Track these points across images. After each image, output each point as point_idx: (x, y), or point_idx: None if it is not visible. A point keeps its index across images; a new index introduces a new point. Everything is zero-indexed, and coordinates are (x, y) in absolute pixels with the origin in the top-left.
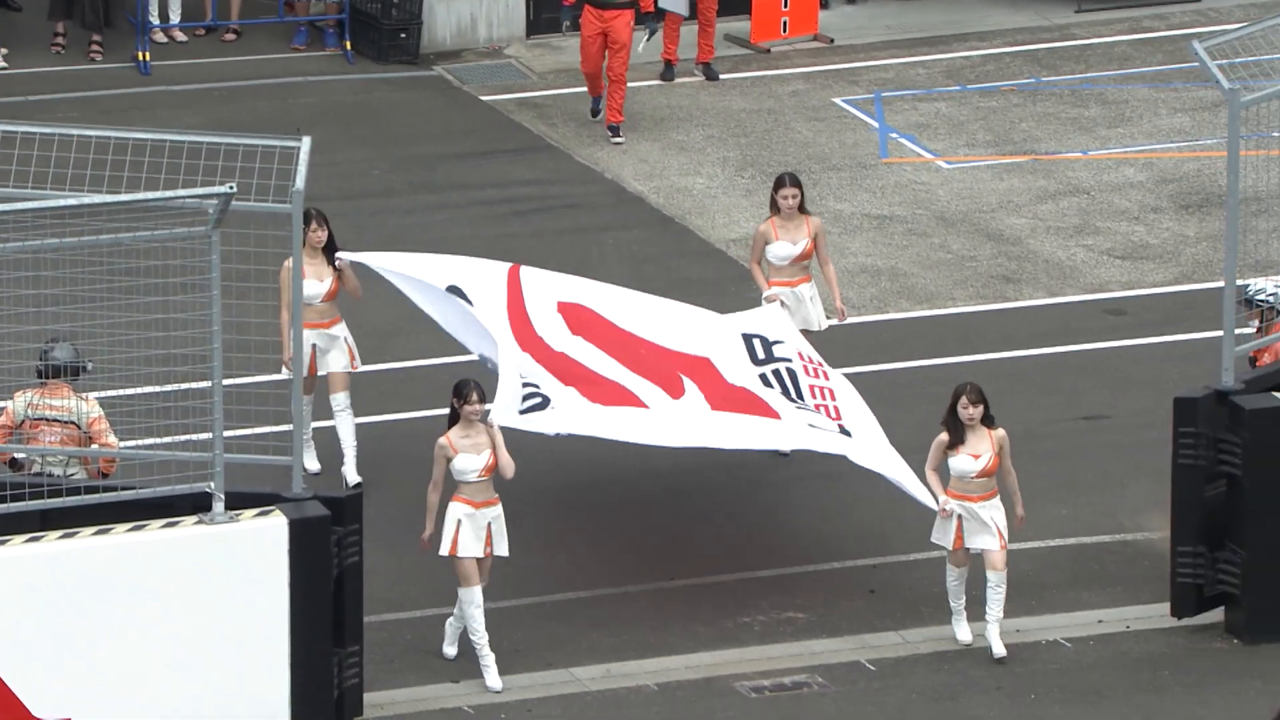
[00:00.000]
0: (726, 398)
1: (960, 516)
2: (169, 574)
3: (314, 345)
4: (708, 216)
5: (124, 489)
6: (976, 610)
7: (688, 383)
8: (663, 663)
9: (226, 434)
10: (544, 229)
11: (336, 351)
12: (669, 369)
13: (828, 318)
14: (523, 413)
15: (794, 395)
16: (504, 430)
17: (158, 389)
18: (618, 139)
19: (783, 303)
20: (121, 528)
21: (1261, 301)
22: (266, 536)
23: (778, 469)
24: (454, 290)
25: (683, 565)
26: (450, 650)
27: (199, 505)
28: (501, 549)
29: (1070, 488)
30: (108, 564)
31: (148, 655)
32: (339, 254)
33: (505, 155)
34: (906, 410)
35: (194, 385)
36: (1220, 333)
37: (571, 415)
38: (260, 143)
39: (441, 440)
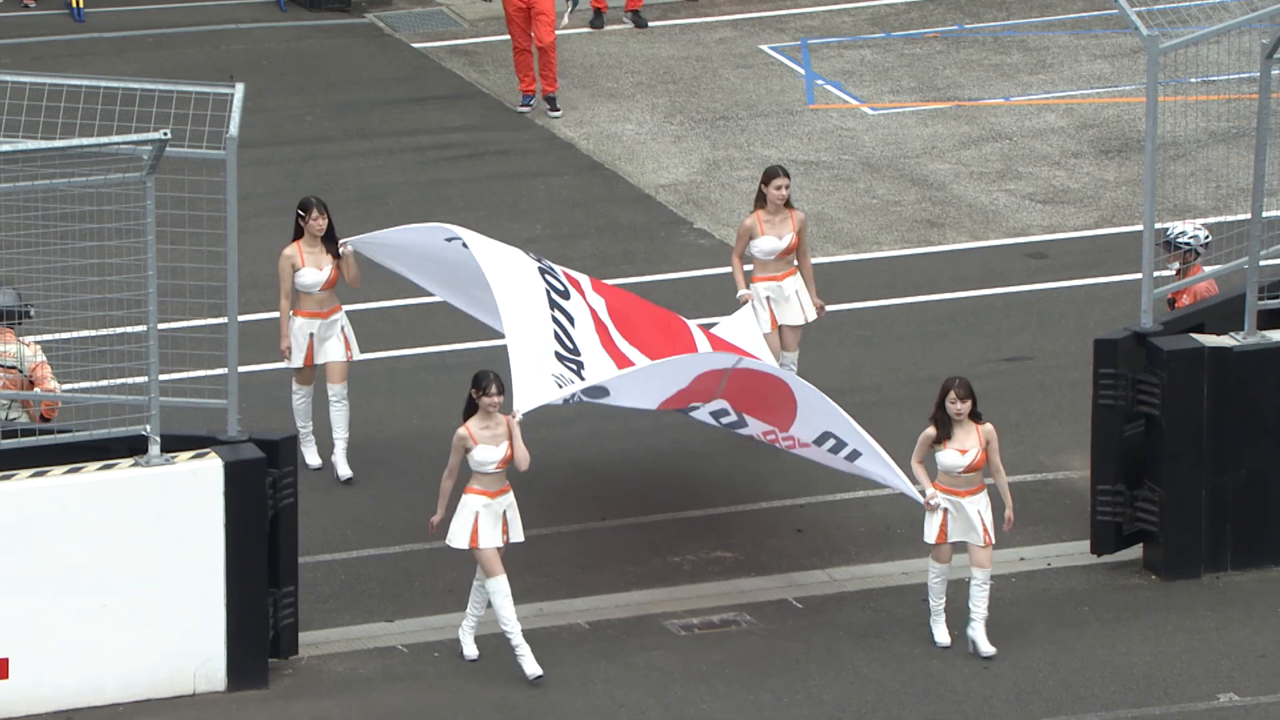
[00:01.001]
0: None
1: (946, 511)
2: (105, 516)
3: (311, 334)
4: (637, 162)
5: (60, 432)
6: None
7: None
8: (594, 601)
9: (162, 378)
10: (475, 175)
11: (334, 340)
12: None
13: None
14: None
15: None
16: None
17: (94, 333)
18: (554, 112)
19: (769, 299)
20: (58, 470)
21: (1183, 244)
22: (202, 479)
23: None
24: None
25: (613, 506)
26: (472, 652)
27: (135, 448)
28: (517, 535)
29: (995, 428)
30: (44, 506)
31: (84, 596)
32: (342, 241)
33: (437, 102)
34: (833, 353)
35: (130, 329)
36: (1139, 275)
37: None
38: (194, 89)
39: (461, 431)
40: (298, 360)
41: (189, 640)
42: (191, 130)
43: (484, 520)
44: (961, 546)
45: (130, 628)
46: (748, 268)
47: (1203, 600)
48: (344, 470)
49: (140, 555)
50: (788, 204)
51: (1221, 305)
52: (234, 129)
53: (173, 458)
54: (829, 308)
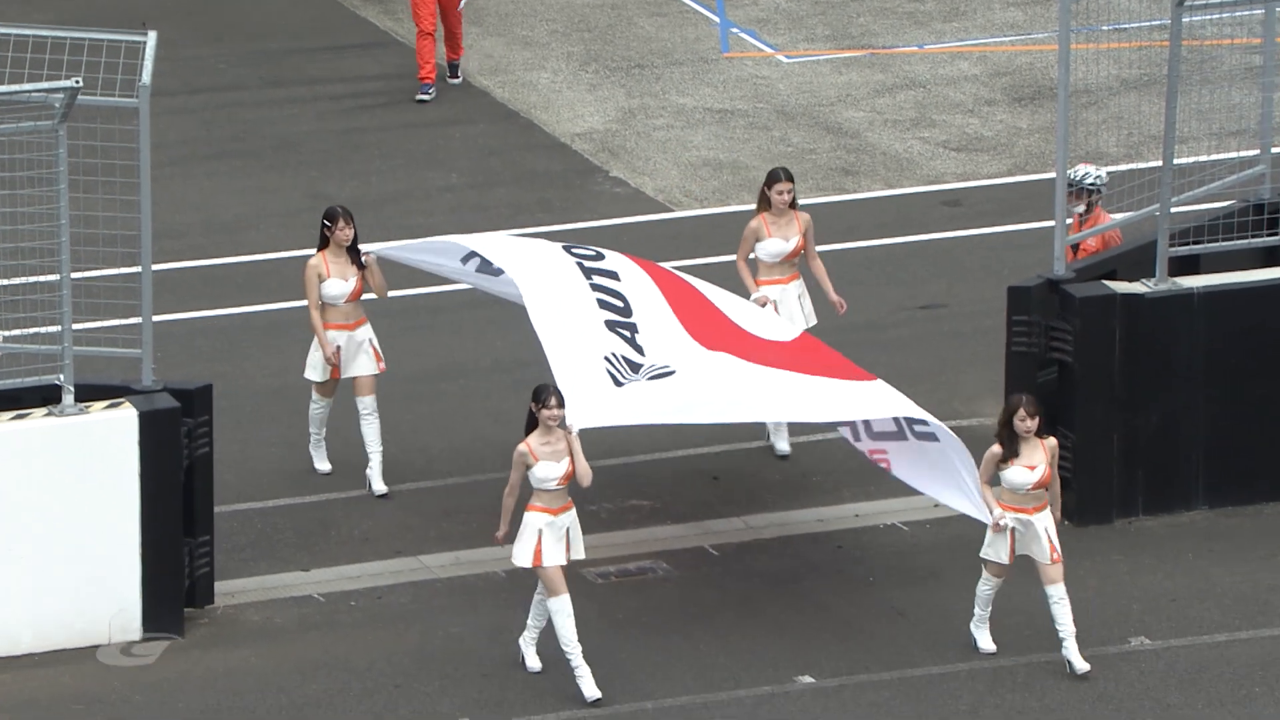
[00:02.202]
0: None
1: (1013, 530)
2: (19, 466)
3: (339, 347)
4: (553, 111)
5: None
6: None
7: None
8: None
9: (76, 327)
10: (391, 123)
11: (363, 356)
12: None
13: (828, 309)
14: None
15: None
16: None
17: (6, 282)
18: (454, 79)
19: (775, 305)
20: None
21: (1089, 185)
22: (116, 428)
23: None
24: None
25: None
26: (535, 664)
27: (49, 398)
28: (579, 553)
29: (909, 375)
30: None
31: None
32: (365, 248)
33: (352, 50)
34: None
35: (42, 279)
36: (1052, 222)
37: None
38: (106, 37)
39: (521, 447)
40: (324, 374)
41: (104, 590)
42: (104, 78)
43: (547, 538)
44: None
45: (45, 578)
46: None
47: (1115, 545)
48: (379, 485)
49: (55, 505)
50: (792, 205)
51: (1133, 252)
52: (147, 77)
53: (87, 407)
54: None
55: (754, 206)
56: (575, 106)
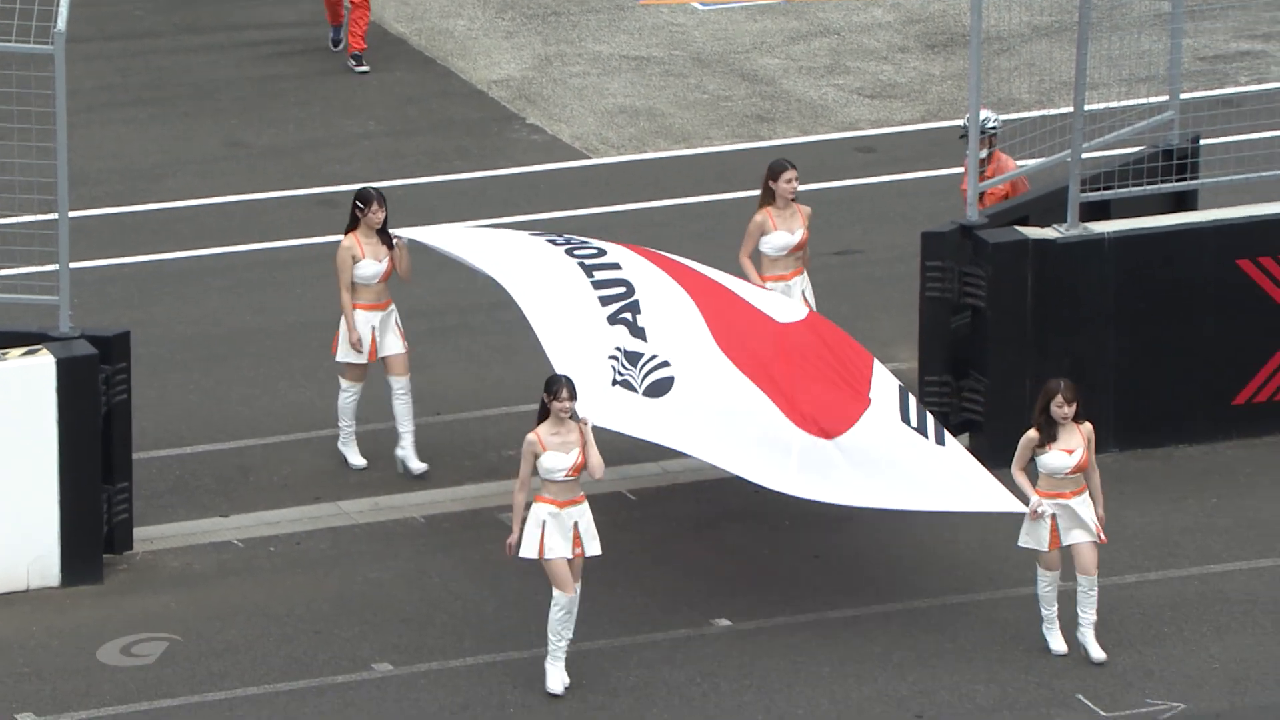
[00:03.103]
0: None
1: (1054, 515)
2: None
3: (373, 328)
4: (469, 58)
5: None
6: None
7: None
8: (429, 495)
9: None
10: (308, 70)
11: (392, 335)
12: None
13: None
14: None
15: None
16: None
17: None
18: (361, 68)
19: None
20: None
21: (990, 129)
22: (34, 375)
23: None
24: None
25: (448, 401)
26: (557, 686)
27: None
28: (593, 548)
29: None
30: None
31: None
32: (395, 232)
33: None
34: (667, 248)
35: None
36: (964, 169)
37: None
38: None
39: (530, 436)
40: (364, 356)
41: (22, 536)
42: (18, 25)
43: (551, 530)
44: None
45: None
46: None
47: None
48: (416, 465)
49: None
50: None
51: (1045, 198)
52: (62, 23)
53: (4, 354)
54: (674, 201)
55: (759, 197)
56: (492, 54)
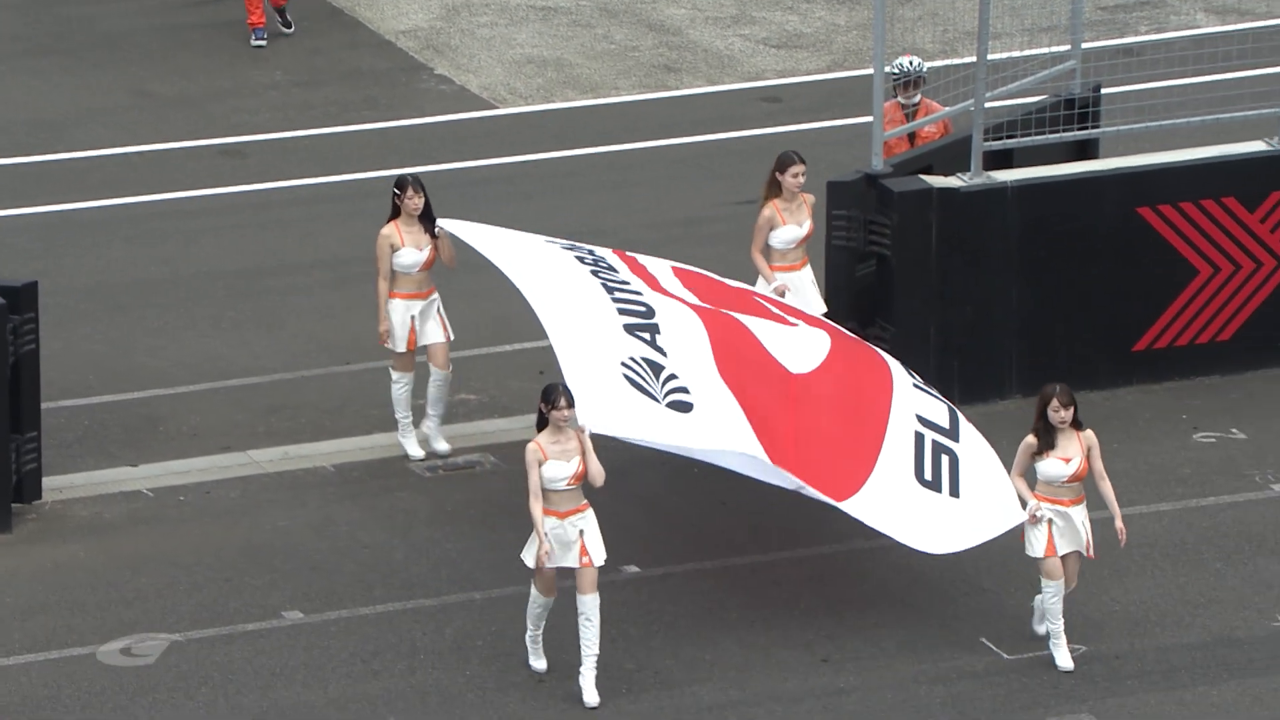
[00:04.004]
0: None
1: (1051, 521)
2: None
3: (413, 316)
4: (377, 8)
5: None
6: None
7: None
8: (338, 444)
9: None
10: (215, 21)
11: (433, 324)
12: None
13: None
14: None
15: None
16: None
17: None
18: (259, 41)
19: (788, 291)
20: None
21: (921, 72)
22: None
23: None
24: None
25: (358, 351)
26: (539, 665)
27: None
28: (599, 557)
29: (733, 271)
30: None
31: None
32: (439, 221)
33: None
34: (575, 198)
35: None
36: (870, 118)
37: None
38: None
39: (531, 445)
40: (401, 345)
41: None
42: None
43: (553, 542)
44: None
45: None
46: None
47: None
48: (441, 445)
49: None
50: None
51: (949, 147)
52: None
53: None
54: (582, 151)
55: (766, 194)
56: (400, 4)
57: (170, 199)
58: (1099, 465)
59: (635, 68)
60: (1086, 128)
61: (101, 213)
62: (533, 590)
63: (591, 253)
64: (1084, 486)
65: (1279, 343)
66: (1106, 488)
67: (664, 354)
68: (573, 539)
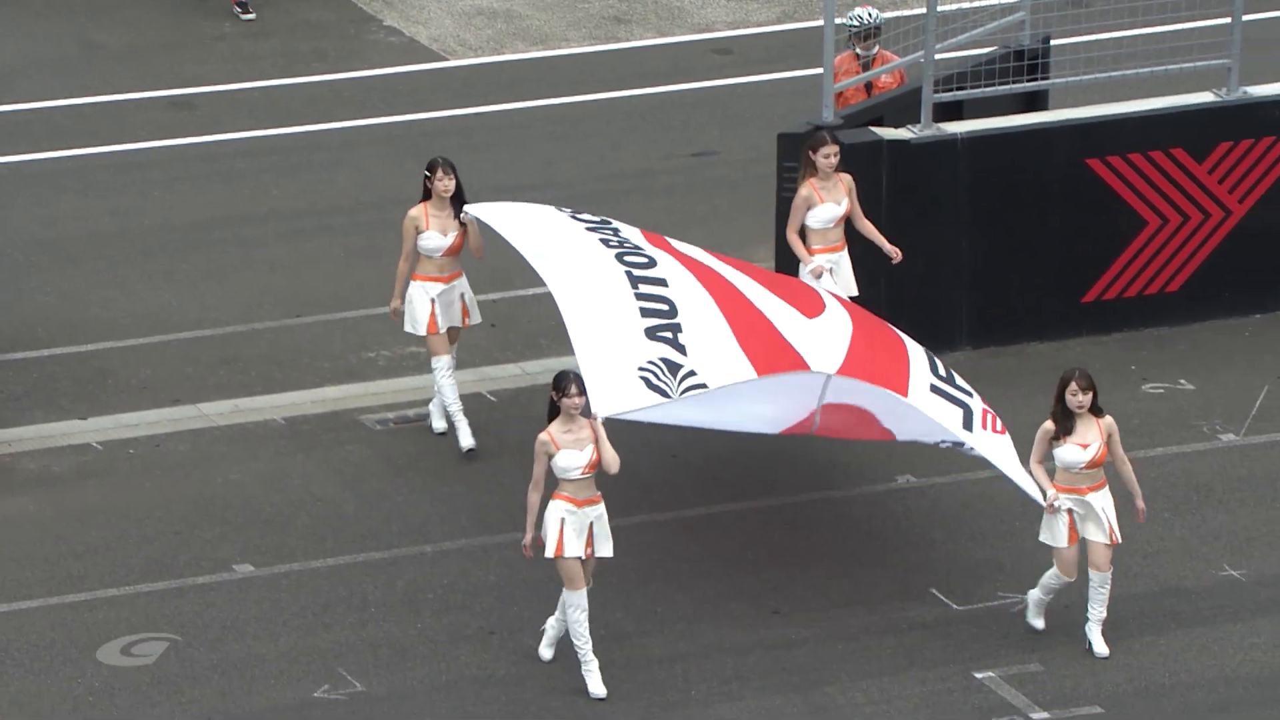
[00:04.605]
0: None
1: (1070, 510)
2: None
3: (433, 299)
4: None
5: None
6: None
7: (830, 304)
8: (289, 398)
9: None
10: None
11: (455, 309)
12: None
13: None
14: (652, 387)
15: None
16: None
17: None
18: (247, 15)
19: (831, 272)
20: None
21: (869, 22)
22: None
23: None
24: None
25: (308, 303)
26: (547, 653)
27: None
28: (605, 550)
29: (683, 221)
30: None
31: None
32: (466, 207)
33: None
34: (526, 150)
35: None
36: (820, 70)
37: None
38: None
39: (542, 436)
40: (422, 328)
41: None
42: None
43: (569, 529)
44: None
45: None
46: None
47: None
48: (440, 424)
49: None
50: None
51: (899, 98)
52: None
53: None
54: (533, 103)
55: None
56: None
57: (120, 151)
58: (1119, 450)
59: (585, 19)
60: (1036, 79)
61: (50, 165)
62: (566, 595)
63: (617, 232)
64: (1104, 472)
65: (1227, 294)
66: (1127, 470)
67: (684, 353)
68: (583, 528)
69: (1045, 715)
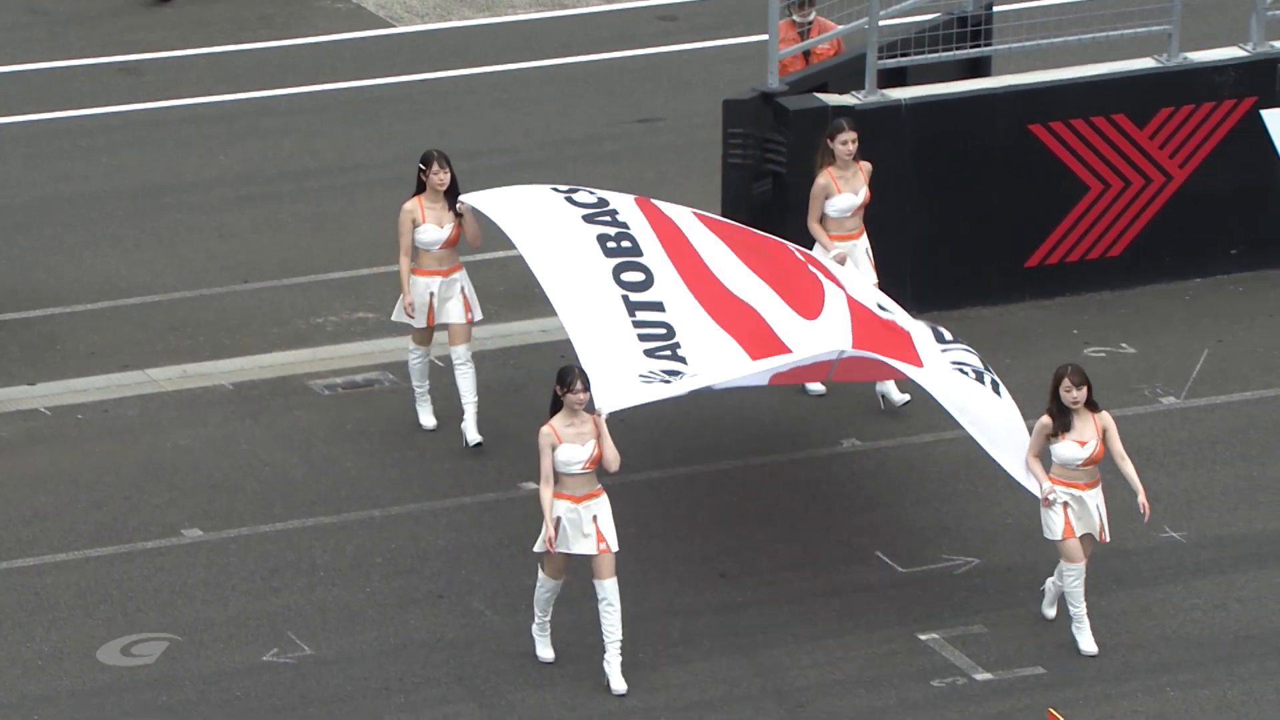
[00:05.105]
0: (861, 317)
1: (1066, 504)
2: None
3: (432, 293)
4: None
5: None
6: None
7: (828, 290)
8: (238, 363)
9: None
10: None
11: (455, 301)
12: (806, 283)
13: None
14: (646, 380)
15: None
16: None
17: None
18: (164, 3)
19: (840, 259)
20: None
21: None
22: None
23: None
24: (574, 189)
25: (256, 269)
26: (547, 654)
27: None
28: (612, 543)
29: (630, 185)
30: None
31: None
32: (461, 197)
33: None
34: (472, 116)
35: None
36: (765, 36)
37: (706, 374)
38: None
39: (545, 429)
40: (420, 320)
41: None
42: None
43: (565, 526)
44: None
45: None
46: None
47: None
48: (473, 435)
49: None
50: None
51: (843, 65)
52: None
53: None
54: (479, 70)
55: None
56: None
57: (67, 117)
58: (1118, 446)
59: None
60: (979, 45)
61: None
62: (540, 575)
63: (615, 215)
64: (1100, 469)
65: (1167, 258)
66: (1128, 467)
67: (685, 362)
68: (587, 524)
69: (988, 676)
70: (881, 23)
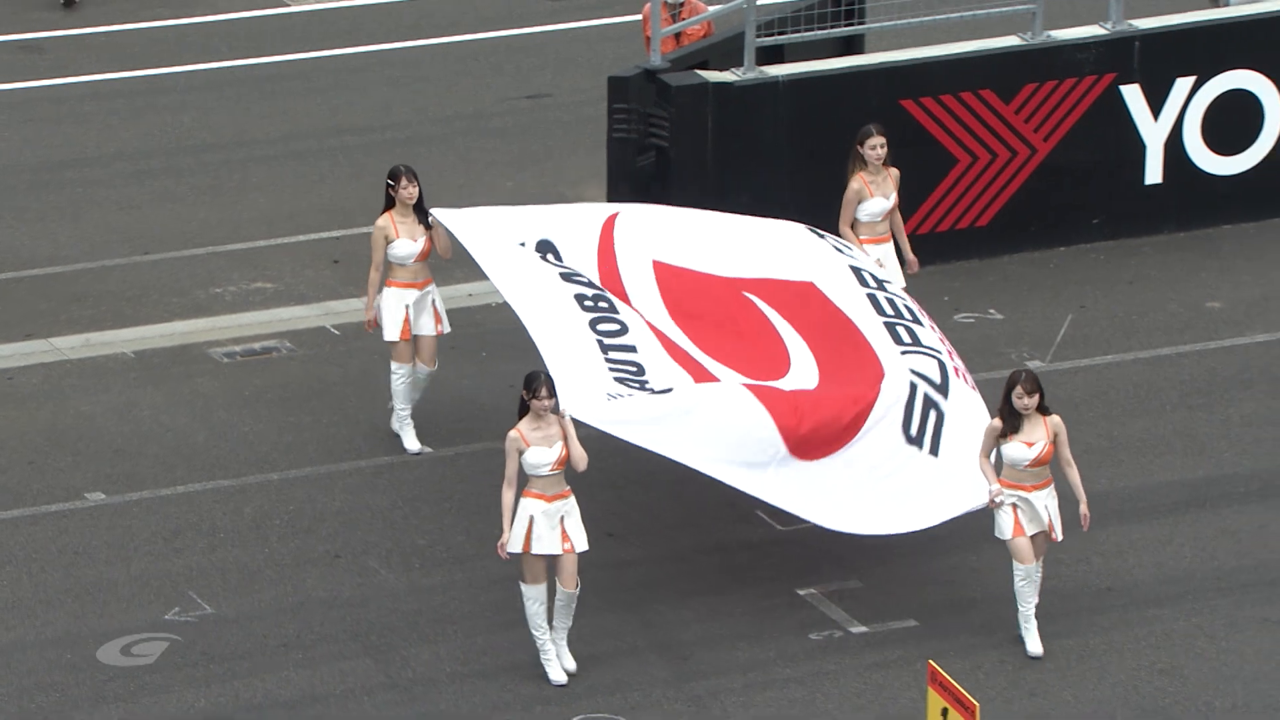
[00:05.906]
0: (830, 347)
1: (1015, 505)
2: None
3: (407, 306)
4: None
5: None
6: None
7: (793, 348)
8: (139, 332)
9: None
10: None
11: (427, 316)
12: (767, 339)
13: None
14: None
15: (910, 316)
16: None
17: None
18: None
19: (880, 263)
20: None
21: None
22: None
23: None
24: (545, 246)
25: (156, 241)
26: (560, 677)
27: None
28: (581, 544)
29: (518, 162)
30: None
31: None
32: (432, 211)
33: None
34: (364, 93)
35: None
36: (639, 16)
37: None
38: None
39: (512, 433)
40: (394, 334)
41: None
42: None
43: (540, 525)
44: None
45: None
46: None
47: None
48: (412, 444)
49: None
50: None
51: (724, 42)
52: None
53: None
54: (370, 48)
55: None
56: None
57: (44, 85)
58: (1065, 452)
59: None
60: (853, 24)
61: None
62: (522, 586)
63: (591, 282)
64: (1050, 471)
65: (1033, 228)
66: (1073, 474)
67: (655, 393)
68: (555, 524)
69: (864, 629)
70: (760, 2)
